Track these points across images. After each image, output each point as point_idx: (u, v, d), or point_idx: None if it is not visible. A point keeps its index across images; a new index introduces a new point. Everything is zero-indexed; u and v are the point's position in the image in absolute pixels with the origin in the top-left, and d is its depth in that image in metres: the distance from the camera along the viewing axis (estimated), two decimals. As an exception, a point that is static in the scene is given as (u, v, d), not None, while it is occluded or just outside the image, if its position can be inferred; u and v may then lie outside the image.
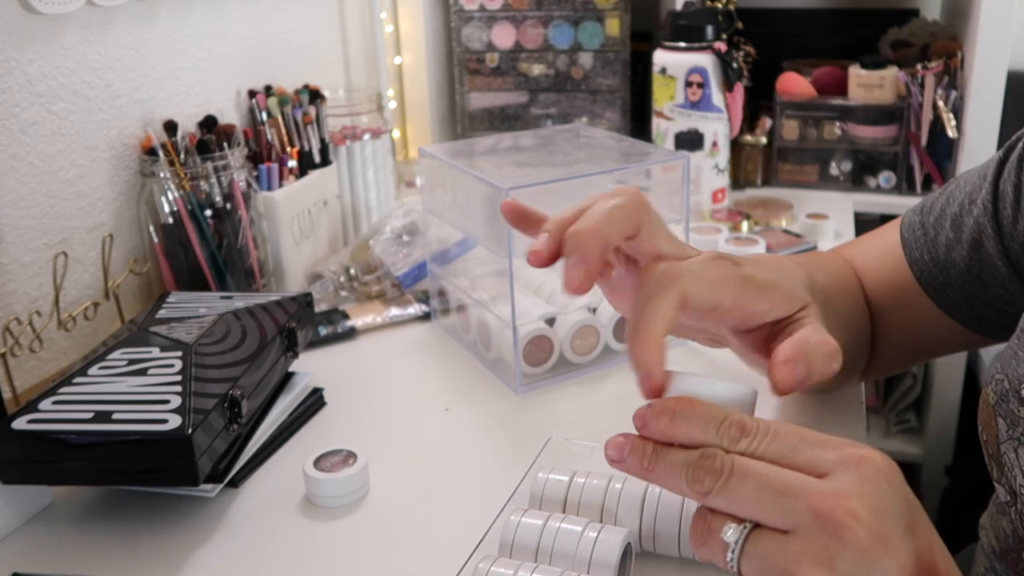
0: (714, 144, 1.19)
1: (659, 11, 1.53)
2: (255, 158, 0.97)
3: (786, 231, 1.16)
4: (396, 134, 1.41)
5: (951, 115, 1.25)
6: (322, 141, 1.04)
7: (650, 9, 1.56)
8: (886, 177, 1.33)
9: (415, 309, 0.94)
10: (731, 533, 0.41)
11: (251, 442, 0.68)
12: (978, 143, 1.23)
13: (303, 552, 0.60)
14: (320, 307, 0.95)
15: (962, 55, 1.27)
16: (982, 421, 0.58)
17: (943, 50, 1.30)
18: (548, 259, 0.49)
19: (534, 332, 0.79)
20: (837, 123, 1.34)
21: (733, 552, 0.41)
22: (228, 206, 0.88)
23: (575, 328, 0.81)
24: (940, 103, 1.26)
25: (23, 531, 0.63)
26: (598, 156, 0.90)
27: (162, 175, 0.85)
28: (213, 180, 0.87)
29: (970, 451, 1.40)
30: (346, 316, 0.92)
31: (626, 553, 0.54)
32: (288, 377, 0.76)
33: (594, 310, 0.82)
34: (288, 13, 1.16)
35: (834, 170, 1.35)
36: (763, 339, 0.53)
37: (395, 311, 0.94)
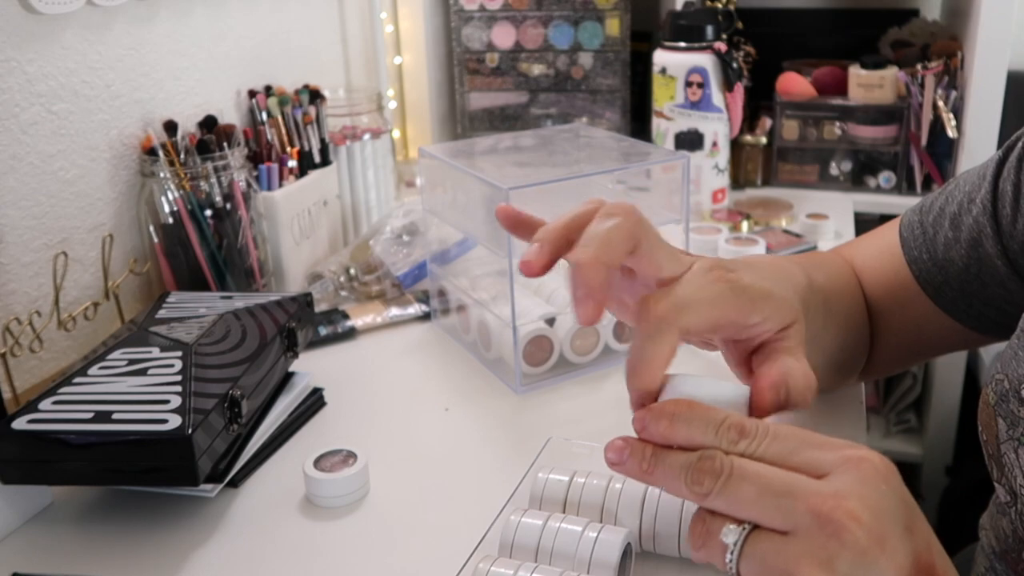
0: (714, 144, 1.19)
1: (659, 11, 1.53)
2: (255, 158, 0.97)
3: (786, 231, 1.16)
4: (396, 134, 1.41)
5: (951, 115, 1.25)
6: (322, 141, 1.04)
7: (650, 9, 1.56)
8: (886, 177, 1.33)
9: (415, 309, 0.94)
10: (730, 534, 0.41)
11: (251, 442, 0.68)
12: (978, 143, 1.23)
13: (303, 552, 0.60)
14: (320, 307, 0.95)
15: (962, 55, 1.27)
16: (982, 421, 0.58)
17: (943, 50, 1.30)
18: (540, 270, 0.48)
19: (534, 332, 0.79)
20: (837, 123, 1.34)
21: (732, 553, 0.41)
22: (228, 206, 0.88)
23: (575, 328, 0.81)
24: (940, 103, 1.26)
25: (23, 531, 0.63)
26: (598, 156, 0.90)
27: (162, 175, 0.85)
28: (213, 180, 0.87)
29: (970, 451, 1.40)
30: (346, 316, 0.92)
31: (626, 553, 0.54)
32: (288, 377, 0.76)
33: (594, 310, 0.81)
34: (288, 13, 1.16)
35: (834, 170, 1.35)
36: (748, 352, 0.53)
37: (395, 311, 0.94)
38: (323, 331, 0.89)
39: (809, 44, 1.54)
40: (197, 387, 0.62)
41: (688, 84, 1.17)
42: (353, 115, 1.13)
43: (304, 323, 0.79)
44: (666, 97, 1.19)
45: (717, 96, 1.17)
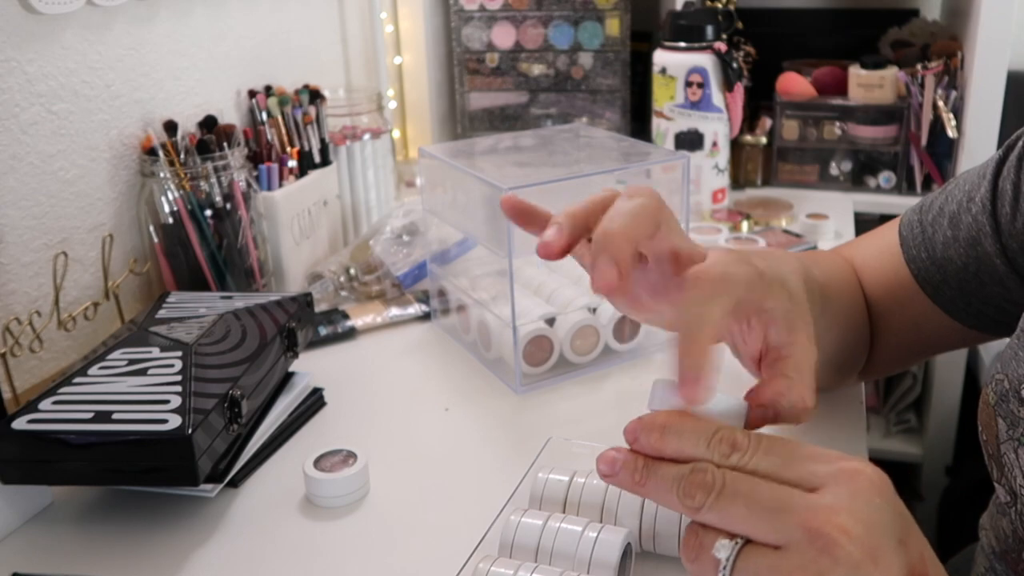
0: (714, 144, 1.19)
1: (659, 11, 1.53)
2: (255, 158, 0.97)
3: (786, 231, 1.16)
4: (396, 134, 1.41)
5: (951, 115, 1.25)
6: (322, 141, 1.04)
7: (650, 9, 1.56)
8: (886, 177, 1.33)
9: (415, 309, 0.94)
10: (722, 550, 0.40)
11: (251, 442, 0.68)
12: (978, 143, 1.23)
13: (303, 552, 0.60)
14: (320, 307, 0.95)
15: (962, 55, 1.27)
16: (982, 421, 0.58)
17: (943, 50, 1.30)
18: (560, 252, 0.48)
19: (534, 332, 0.79)
20: (837, 123, 1.34)
21: (724, 569, 0.40)
22: (228, 206, 0.88)
23: (575, 328, 0.81)
24: (940, 103, 1.26)
25: (23, 531, 0.63)
26: (598, 156, 0.90)
27: (162, 175, 0.85)
28: (213, 180, 0.87)
29: (970, 451, 1.40)
30: (346, 316, 0.92)
31: (626, 553, 0.54)
32: (288, 377, 0.76)
33: (594, 310, 0.82)
34: (288, 13, 1.16)
35: (834, 170, 1.35)
36: (756, 346, 0.52)
37: (395, 311, 0.94)
38: (323, 331, 0.89)
39: (809, 44, 1.54)
40: (197, 387, 0.62)
41: (688, 84, 1.17)
42: (353, 115, 1.13)
43: (304, 323, 0.79)
44: (666, 97, 1.19)
45: (717, 96, 1.17)
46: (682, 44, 1.17)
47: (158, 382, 0.62)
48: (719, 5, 1.27)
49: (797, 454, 0.42)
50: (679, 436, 0.43)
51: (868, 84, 1.31)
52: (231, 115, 1.03)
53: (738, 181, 1.36)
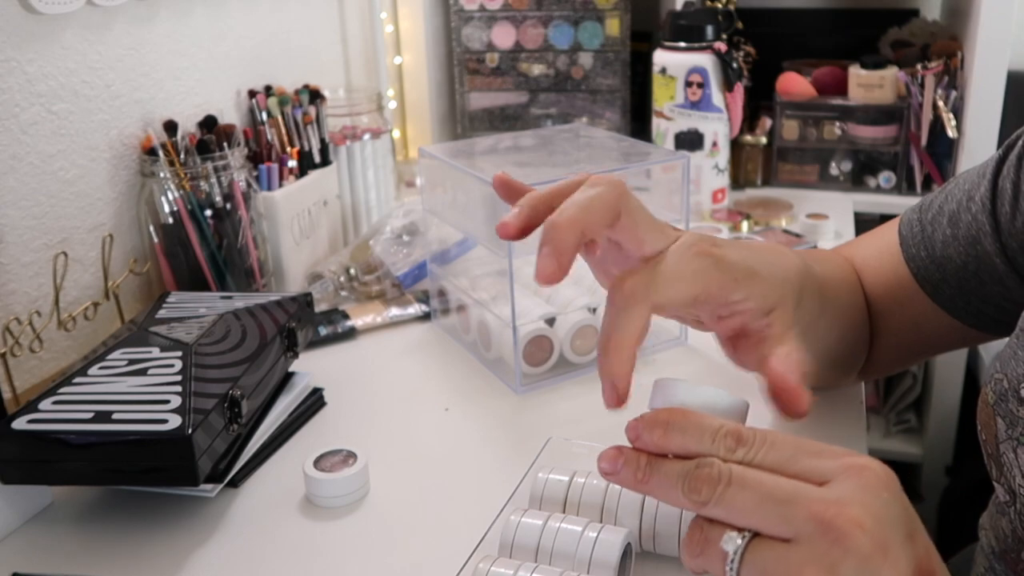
0: (714, 144, 1.19)
1: (659, 11, 1.53)
2: (255, 158, 0.97)
3: (786, 231, 1.16)
4: (396, 134, 1.41)
5: (951, 115, 1.25)
6: (322, 141, 1.04)
7: (650, 9, 1.56)
8: (886, 177, 1.33)
9: (415, 309, 0.94)
10: (731, 542, 0.40)
11: (251, 442, 0.68)
12: (978, 143, 1.23)
13: (303, 552, 0.60)
14: (320, 307, 0.95)
15: (962, 55, 1.27)
16: (981, 421, 0.58)
17: (943, 50, 1.30)
18: (517, 233, 0.48)
19: (534, 332, 0.79)
20: (837, 123, 1.34)
21: (733, 562, 0.40)
22: (228, 206, 0.88)
23: (575, 328, 0.81)
24: (940, 103, 1.26)
25: (23, 531, 0.63)
26: (598, 156, 0.90)
27: (162, 175, 0.85)
28: (213, 180, 0.87)
29: (970, 451, 1.40)
30: (346, 316, 0.92)
31: (626, 553, 0.54)
32: (288, 377, 0.76)
33: (594, 310, 0.82)
34: (288, 13, 1.16)
35: (834, 170, 1.35)
36: (732, 332, 0.53)
37: (395, 311, 0.94)
38: (323, 331, 0.89)
39: (809, 44, 1.54)
40: (197, 387, 0.62)
41: (688, 84, 1.17)
42: (353, 115, 1.13)
43: (304, 323, 0.79)
44: (666, 97, 1.19)
45: (717, 96, 1.17)
46: (682, 44, 1.17)
47: (158, 382, 0.62)
48: (719, 5, 1.27)
49: (803, 449, 0.42)
50: (683, 432, 0.43)
51: (868, 84, 1.31)
52: (231, 115, 1.03)
53: (738, 181, 1.36)
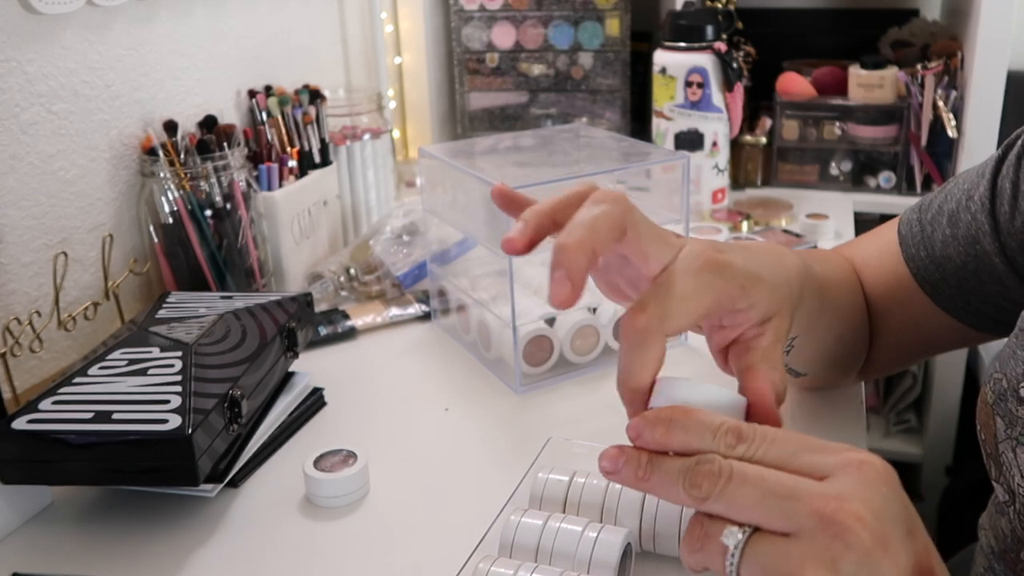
0: (714, 144, 1.19)
1: (659, 11, 1.53)
2: (255, 158, 0.97)
3: (786, 231, 1.16)
4: (396, 134, 1.41)
5: (951, 115, 1.25)
6: (322, 141, 1.04)
7: (650, 9, 1.56)
8: (886, 177, 1.33)
9: (415, 309, 0.94)
10: (731, 537, 0.40)
11: (251, 442, 0.68)
12: (978, 143, 1.23)
13: (303, 552, 0.60)
14: (320, 307, 0.95)
15: (962, 55, 1.27)
16: (980, 420, 0.58)
17: (943, 50, 1.30)
18: (523, 248, 0.48)
19: (534, 332, 0.79)
20: (837, 123, 1.34)
21: (733, 556, 0.40)
22: (228, 206, 0.88)
23: (575, 328, 0.81)
24: (940, 103, 1.26)
25: (23, 531, 0.63)
26: (598, 156, 0.90)
27: (162, 175, 0.85)
28: (213, 180, 0.87)
29: (970, 451, 1.40)
30: (346, 316, 0.92)
31: (626, 553, 0.54)
32: (288, 377, 0.76)
33: (594, 310, 0.82)
34: (288, 13, 1.16)
35: (834, 170, 1.35)
36: (728, 341, 0.53)
37: (395, 311, 0.94)
38: (323, 331, 0.89)
39: (809, 44, 1.54)
40: (197, 387, 0.62)
41: (688, 84, 1.17)
42: (353, 115, 1.13)
43: (304, 323, 0.79)
44: (666, 97, 1.19)
45: (717, 96, 1.17)
46: (682, 44, 1.17)
47: (158, 382, 0.63)
48: (719, 5, 1.27)
49: (803, 445, 0.42)
50: (685, 429, 0.43)
51: (868, 84, 1.31)
52: (231, 115, 1.03)
53: (738, 181, 1.36)
